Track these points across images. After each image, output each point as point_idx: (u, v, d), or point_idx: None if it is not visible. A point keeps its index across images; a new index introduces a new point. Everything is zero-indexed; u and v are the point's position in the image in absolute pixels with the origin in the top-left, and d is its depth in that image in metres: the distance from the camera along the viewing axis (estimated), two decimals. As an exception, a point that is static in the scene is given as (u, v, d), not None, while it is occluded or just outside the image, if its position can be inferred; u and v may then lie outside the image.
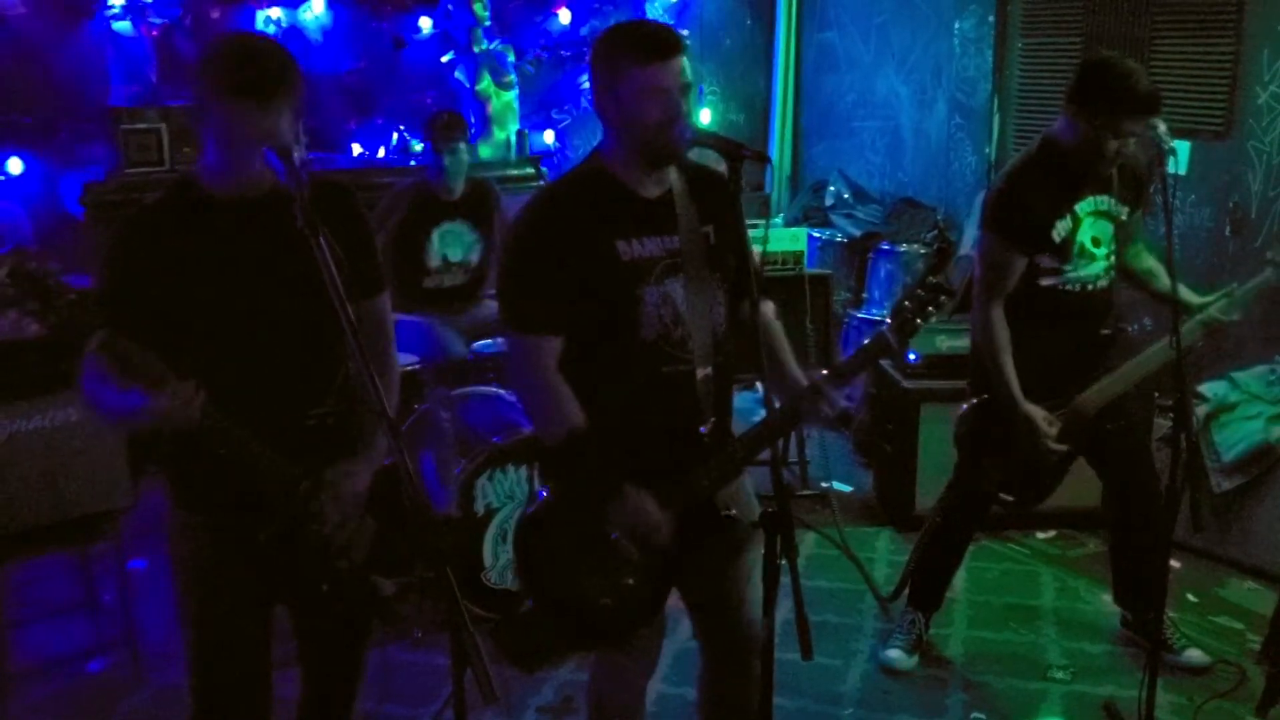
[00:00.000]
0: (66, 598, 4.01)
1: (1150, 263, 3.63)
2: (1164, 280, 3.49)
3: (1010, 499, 3.57)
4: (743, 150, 2.22)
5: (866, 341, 2.46)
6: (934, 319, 2.46)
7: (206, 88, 2.14)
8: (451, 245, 4.69)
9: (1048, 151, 3.41)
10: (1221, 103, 5.01)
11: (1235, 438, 4.43)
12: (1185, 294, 3.50)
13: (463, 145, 4.54)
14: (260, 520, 2.27)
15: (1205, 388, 4.66)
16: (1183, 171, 5.03)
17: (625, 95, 2.29)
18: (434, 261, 4.68)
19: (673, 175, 2.46)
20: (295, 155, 2.05)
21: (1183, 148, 4.94)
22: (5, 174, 5.31)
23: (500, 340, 4.44)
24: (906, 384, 4.85)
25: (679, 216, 2.43)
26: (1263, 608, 4.07)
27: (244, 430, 2.19)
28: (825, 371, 2.45)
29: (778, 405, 2.44)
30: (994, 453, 3.51)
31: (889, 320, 2.44)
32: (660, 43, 2.29)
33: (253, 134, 2.11)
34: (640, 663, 2.69)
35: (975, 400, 3.54)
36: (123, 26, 5.61)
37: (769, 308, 2.65)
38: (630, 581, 2.45)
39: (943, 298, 2.42)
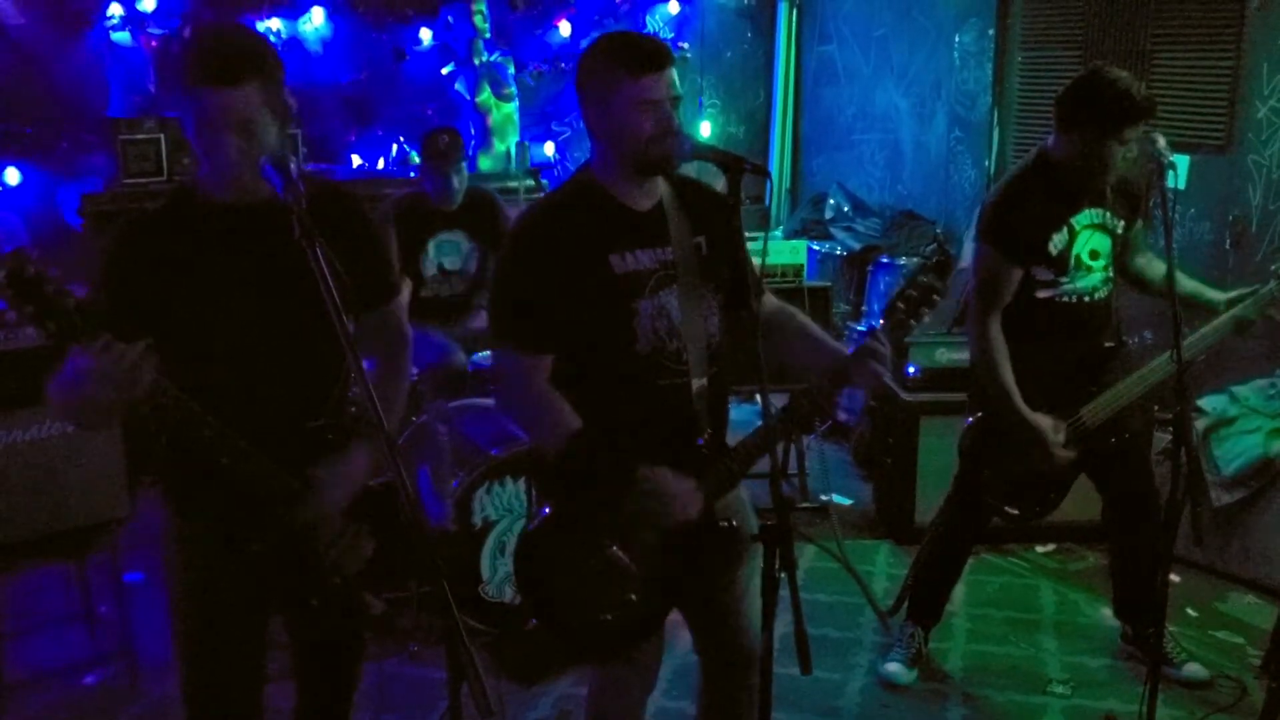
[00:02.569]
0: (63, 609, 3.99)
1: (1164, 269, 3.62)
2: (1183, 281, 3.49)
3: (1015, 512, 3.56)
4: (743, 163, 2.21)
5: (860, 345, 2.45)
6: (927, 319, 2.45)
7: (179, 84, 2.11)
8: (448, 255, 4.69)
9: (1043, 164, 3.41)
10: (1221, 117, 5.01)
11: (1235, 451, 4.42)
12: (1209, 292, 3.51)
13: (462, 165, 4.53)
14: (255, 530, 2.26)
15: (1204, 401, 4.66)
16: (1182, 185, 5.04)
17: (617, 109, 2.29)
18: (430, 271, 4.67)
19: (662, 187, 2.46)
20: (292, 166, 2.04)
21: (1182, 162, 4.93)
22: (2, 184, 5.31)
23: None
24: (906, 397, 4.85)
25: (671, 228, 2.43)
26: (1263, 622, 4.06)
27: (245, 440, 2.18)
28: (881, 322, 2.41)
29: (795, 396, 2.41)
30: (999, 466, 3.50)
31: (882, 320, 2.43)
32: (651, 55, 2.29)
33: (223, 121, 2.08)
34: (640, 677, 2.67)
35: (979, 413, 3.54)
36: (122, 37, 5.62)
37: (784, 305, 2.64)
38: (630, 596, 2.44)
39: (935, 297, 2.41)
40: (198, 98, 2.08)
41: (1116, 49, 5.39)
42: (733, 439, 2.53)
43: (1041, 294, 3.42)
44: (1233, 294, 3.48)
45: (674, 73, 2.30)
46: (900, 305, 2.41)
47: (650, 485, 2.33)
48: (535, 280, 2.35)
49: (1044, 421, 3.37)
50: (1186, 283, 3.52)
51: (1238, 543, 4.43)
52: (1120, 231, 3.47)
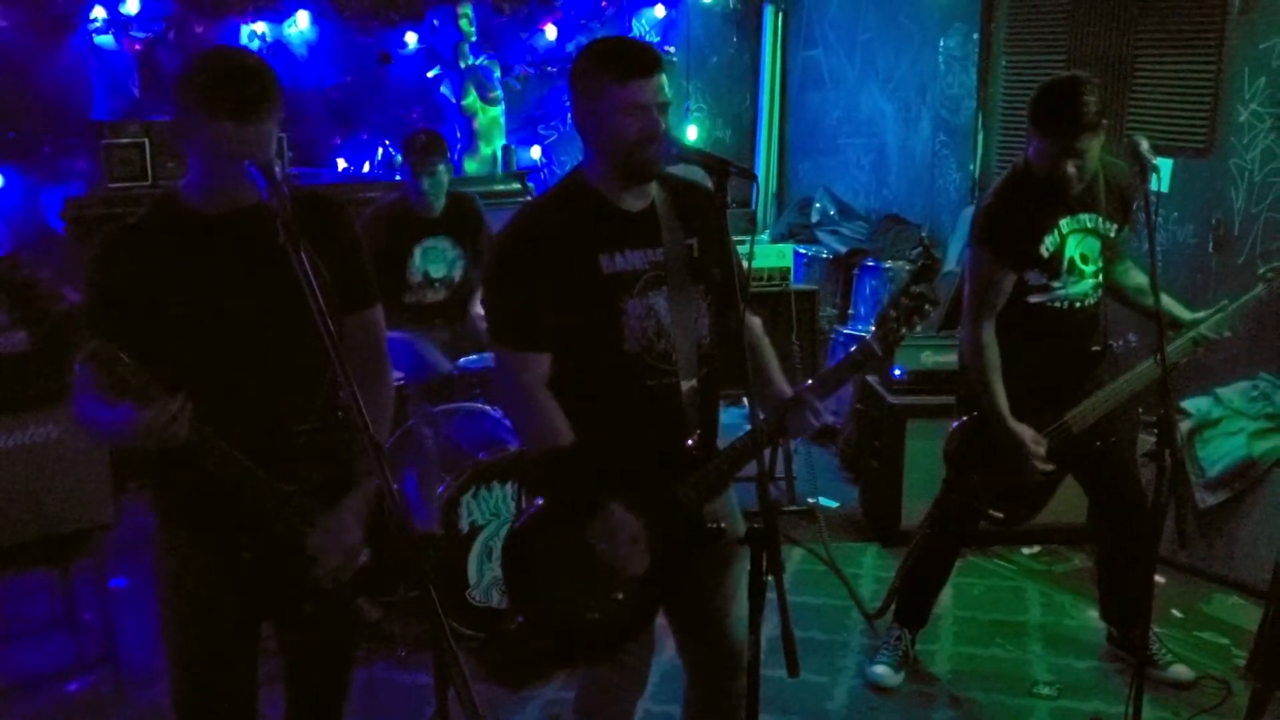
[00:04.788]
0: (47, 616, 3.97)
1: (1139, 279, 3.65)
2: (1152, 297, 3.51)
3: (1000, 516, 3.57)
4: (729, 167, 2.22)
5: (851, 350, 2.46)
6: (919, 328, 2.47)
7: (191, 108, 2.11)
8: (433, 262, 4.67)
9: (1030, 168, 3.42)
10: (1204, 120, 5.04)
11: (1219, 453, 4.45)
12: (1177, 308, 3.52)
13: (442, 166, 4.52)
14: (247, 537, 2.25)
15: (1188, 403, 4.68)
16: (1165, 189, 5.07)
17: (605, 112, 2.30)
18: (415, 278, 4.66)
19: (655, 189, 2.46)
20: (277, 170, 2.04)
21: (1165, 165, 4.97)
22: (-14, 187, 5.28)
23: (486, 356, 4.43)
24: (892, 399, 4.85)
25: (662, 230, 2.44)
26: (1247, 623, 4.08)
27: (232, 446, 2.18)
28: (810, 383, 2.45)
29: (762, 417, 2.44)
30: (984, 470, 3.51)
31: (873, 329, 2.45)
32: (639, 60, 2.30)
33: (240, 153, 2.09)
34: (629, 679, 2.67)
35: (965, 417, 3.54)
36: (105, 40, 5.59)
37: (756, 322, 2.65)
38: (618, 596, 2.44)
39: (927, 306, 2.43)
40: (219, 129, 2.08)
41: (1099, 53, 5.42)
42: (720, 442, 2.54)
43: (1033, 299, 3.42)
44: (1199, 314, 3.50)
45: (663, 78, 2.31)
46: (892, 314, 2.43)
47: (609, 527, 2.35)
48: (526, 280, 2.36)
49: (1026, 433, 3.38)
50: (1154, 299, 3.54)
51: (1222, 544, 4.46)
52: (1112, 235, 3.48)
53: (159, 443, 2.06)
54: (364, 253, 2.48)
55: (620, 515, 2.36)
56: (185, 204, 2.24)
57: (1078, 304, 3.45)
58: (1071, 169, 3.26)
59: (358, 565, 2.35)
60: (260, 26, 5.98)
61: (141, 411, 2.02)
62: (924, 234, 6.54)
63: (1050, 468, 3.42)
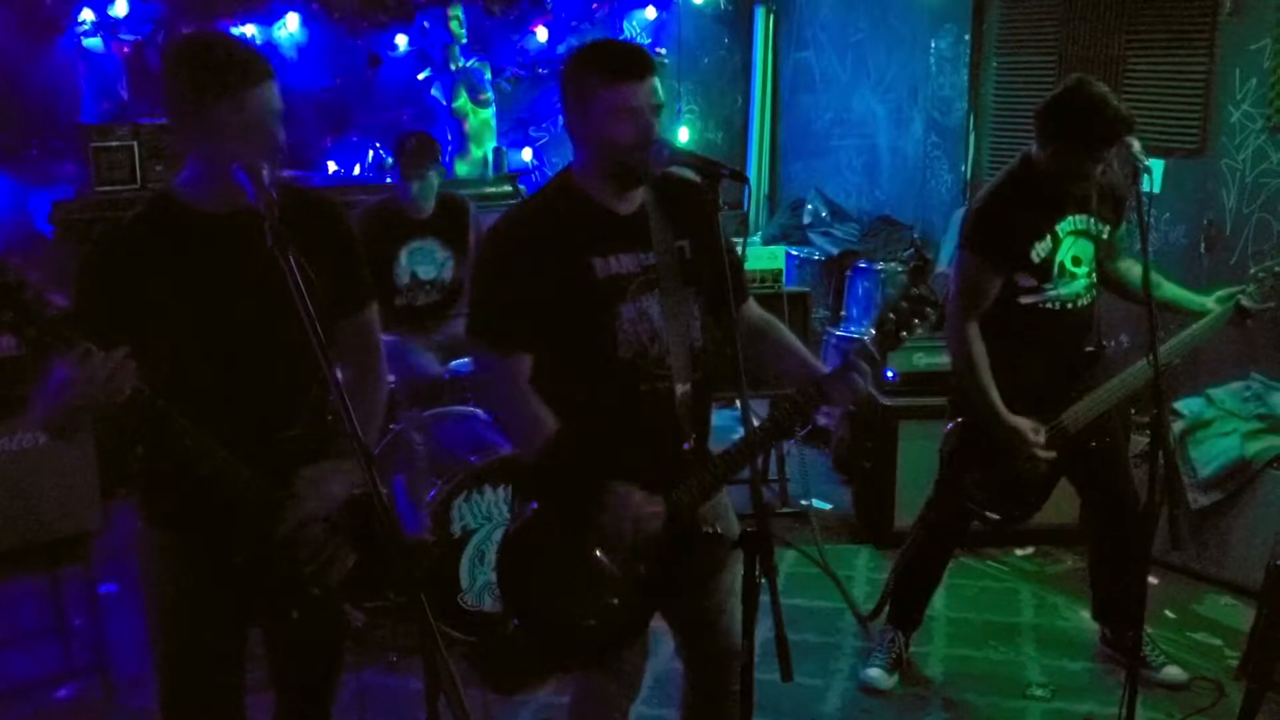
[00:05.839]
0: (36, 622, 3.94)
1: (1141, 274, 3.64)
2: (1166, 286, 3.53)
3: (995, 517, 3.56)
4: (721, 169, 2.21)
5: (848, 354, 2.44)
6: (919, 330, 2.44)
7: (183, 95, 2.09)
8: (422, 263, 4.66)
9: (1027, 171, 3.41)
10: (1195, 121, 5.05)
11: (1211, 454, 4.45)
12: (1192, 299, 3.53)
13: (432, 172, 4.49)
14: (235, 541, 2.23)
15: (1181, 404, 4.68)
16: (1157, 189, 5.07)
17: (596, 115, 2.29)
18: (404, 280, 4.64)
19: (645, 191, 2.45)
20: (265, 173, 2.02)
21: (1157, 166, 4.98)
22: (-27, 192, 5.25)
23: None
24: (884, 401, 4.85)
25: (653, 232, 2.43)
26: (1240, 623, 4.09)
27: (221, 448, 2.16)
28: (872, 332, 2.42)
29: (783, 398, 2.41)
30: (980, 471, 3.50)
31: (872, 331, 2.43)
32: (631, 63, 2.29)
33: (263, 114, 2.09)
34: (623, 685, 2.67)
35: (960, 419, 3.54)
36: (94, 43, 5.57)
37: (761, 310, 2.64)
38: (614, 601, 2.42)
39: (928, 309, 2.41)
40: (233, 101, 2.06)
41: (1090, 54, 5.43)
42: (713, 445, 2.53)
43: (1025, 300, 3.42)
44: (1217, 295, 3.51)
45: (655, 81, 2.30)
46: (892, 317, 2.40)
47: (615, 503, 2.33)
48: (514, 282, 2.34)
49: (1024, 423, 3.38)
50: (1168, 289, 3.55)
51: (1214, 545, 4.46)
52: (1105, 237, 3.48)
53: (104, 401, 1.97)
54: (360, 255, 2.46)
55: (624, 491, 2.33)
56: (182, 202, 2.22)
57: (1070, 305, 3.45)
58: (1097, 172, 3.29)
59: (336, 557, 2.33)
60: (250, 29, 5.96)
61: (75, 367, 1.92)
62: (916, 235, 6.54)
63: (1052, 454, 3.41)
